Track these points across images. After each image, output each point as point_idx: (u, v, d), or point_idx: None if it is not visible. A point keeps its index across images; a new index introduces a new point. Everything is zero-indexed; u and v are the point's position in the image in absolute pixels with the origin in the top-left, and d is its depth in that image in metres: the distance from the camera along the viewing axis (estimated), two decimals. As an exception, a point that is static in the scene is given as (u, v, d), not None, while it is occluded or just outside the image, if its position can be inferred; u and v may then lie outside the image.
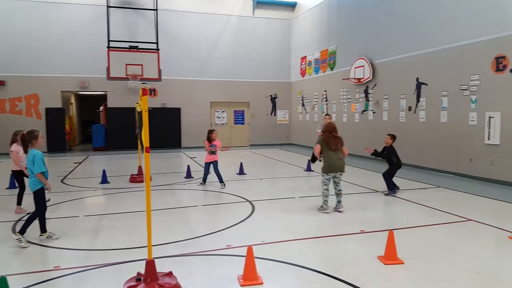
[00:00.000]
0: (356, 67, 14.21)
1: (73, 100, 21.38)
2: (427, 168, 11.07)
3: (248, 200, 7.45)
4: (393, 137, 8.17)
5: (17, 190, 6.94)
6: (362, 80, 13.90)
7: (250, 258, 3.80)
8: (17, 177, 6.91)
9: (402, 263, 4.24)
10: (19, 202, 6.80)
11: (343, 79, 15.02)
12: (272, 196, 7.90)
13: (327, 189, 6.56)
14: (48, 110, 17.13)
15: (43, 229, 5.33)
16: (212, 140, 8.95)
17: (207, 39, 18.98)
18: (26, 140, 5.31)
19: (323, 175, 6.58)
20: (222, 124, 19.75)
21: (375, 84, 13.43)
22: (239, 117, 20.17)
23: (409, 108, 11.76)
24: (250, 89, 19.88)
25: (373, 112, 13.57)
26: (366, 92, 13.99)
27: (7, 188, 8.82)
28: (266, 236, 5.23)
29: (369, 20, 13.73)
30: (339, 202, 6.61)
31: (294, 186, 9.11)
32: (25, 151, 5.41)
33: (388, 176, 7.98)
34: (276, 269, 4.18)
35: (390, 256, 4.32)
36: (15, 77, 16.60)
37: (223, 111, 19.84)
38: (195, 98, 18.98)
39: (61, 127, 17.50)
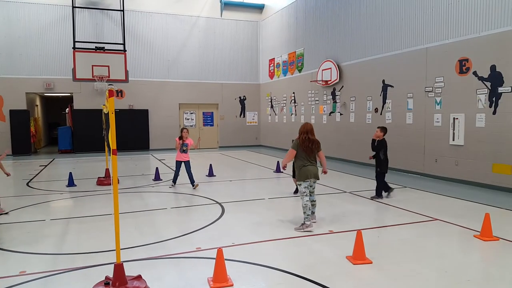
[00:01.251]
0: (323, 69, 14.53)
1: (38, 102, 20.60)
2: (393, 169, 11.33)
3: (217, 202, 7.50)
4: (384, 130, 7.67)
5: None
6: (329, 82, 14.23)
7: (220, 260, 3.83)
8: None
9: (371, 263, 4.31)
10: None
11: (311, 81, 15.33)
12: (241, 198, 8.00)
13: (309, 200, 5.70)
14: (12, 112, 16.47)
15: None
16: (184, 139, 8.92)
17: (175, 40, 18.85)
18: None
19: (299, 184, 5.72)
20: (191, 125, 19.66)
21: (342, 86, 13.78)
22: (208, 119, 20.17)
23: (376, 110, 12.12)
24: (219, 91, 19.91)
25: (341, 114, 13.93)
26: (333, 94, 14.34)
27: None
28: (236, 238, 5.30)
29: (336, 23, 14.08)
30: (312, 213, 5.92)
31: (263, 188, 9.26)
32: None
33: (382, 179, 7.64)
34: (246, 270, 4.23)
35: (358, 256, 4.37)
36: (-25, 77, 15.87)
37: (191, 113, 19.76)
38: (163, 99, 18.82)
39: (26, 129, 16.85)
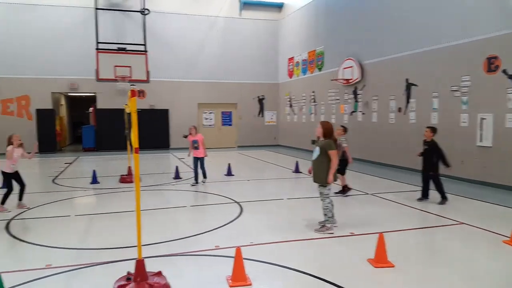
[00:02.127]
0: (344, 68, 14.34)
1: (63, 102, 21.23)
2: (417, 171, 11.09)
3: (236, 201, 7.52)
4: (434, 130, 7.21)
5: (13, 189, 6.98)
6: (350, 81, 14.05)
7: (238, 259, 3.85)
8: (7, 178, 6.96)
9: (393, 266, 4.19)
10: (3, 202, 6.88)
11: (332, 80, 15.15)
12: (260, 198, 7.99)
13: (331, 203, 5.58)
14: (39, 111, 17.04)
15: None
16: (192, 136, 9.15)
17: (193, 40, 19.03)
18: None
19: (325, 186, 5.53)
20: (210, 125, 19.81)
21: (364, 85, 13.57)
22: (226, 118, 20.26)
23: (399, 109, 11.85)
24: (237, 90, 19.97)
25: (362, 113, 13.71)
26: (355, 93, 14.14)
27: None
28: (254, 238, 5.29)
29: (357, 20, 13.84)
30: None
31: (282, 188, 9.24)
32: None
33: (439, 180, 7.15)
34: (264, 270, 4.22)
35: (380, 259, 4.26)
36: (7, 78, 16.49)
37: (210, 112, 19.91)
38: (183, 99, 19.03)
39: (52, 128, 17.40)
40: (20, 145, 7.13)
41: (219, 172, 11.06)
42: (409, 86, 11.48)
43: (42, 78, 16.96)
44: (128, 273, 3.81)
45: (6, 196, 6.89)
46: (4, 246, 5.09)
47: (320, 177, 5.50)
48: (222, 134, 20.02)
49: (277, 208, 7.15)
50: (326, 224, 5.54)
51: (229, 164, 11.10)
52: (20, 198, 7.15)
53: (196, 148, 9.16)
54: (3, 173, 6.99)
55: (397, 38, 11.87)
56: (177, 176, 10.31)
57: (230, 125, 20.33)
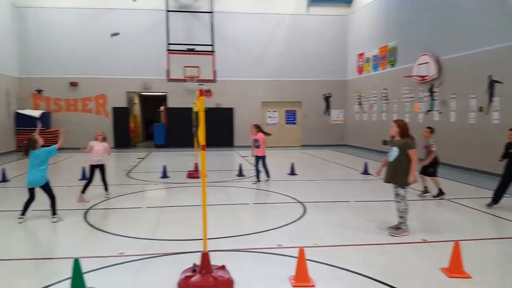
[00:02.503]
0: (419, 64, 13.47)
1: (136, 100, 22.75)
2: (498, 175, 10.12)
3: (299, 201, 7.40)
4: None
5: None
6: (426, 78, 13.17)
7: (302, 259, 3.79)
8: (90, 170, 7.62)
9: (470, 277, 3.90)
10: (83, 191, 7.47)
11: (405, 77, 14.30)
12: (325, 199, 7.77)
13: (408, 205, 5.39)
14: (115, 109, 18.45)
15: (54, 212, 6.09)
16: (253, 134, 9.21)
17: (260, 38, 19.16)
18: (31, 146, 6.00)
19: (404, 188, 5.30)
20: (273, 124, 19.82)
21: (441, 82, 12.61)
22: (290, 117, 20.11)
23: (480, 109, 10.84)
24: (302, 88, 19.70)
25: (439, 113, 12.77)
26: (431, 91, 13.22)
27: (79, 180, 9.65)
28: (318, 239, 5.17)
29: (434, 12, 12.91)
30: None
31: (348, 190, 8.90)
32: (27, 154, 6.08)
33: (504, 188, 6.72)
34: (328, 273, 4.11)
35: (455, 269, 3.97)
36: (86, 78, 18.06)
37: (274, 111, 19.91)
38: (247, 98, 19.27)
39: (126, 125, 18.75)
40: (103, 140, 7.72)
41: (282, 171, 11.00)
42: (492, 83, 10.44)
43: (118, 78, 18.27)
44: (194, 264, 3.91)
45: (85, 186, 7.48)
46: (82, 233, 5.53)
47: (399, 178, 5.25)
48: (285, 132, 19.95)
49: (342, 210, 6.90)
50: (401, 227, 5.31)
51: (292, 164, 10.98)
52: (105, 189, 7.78)
53: (257, 146, 9.20)
54: (90, 165, 7.67)
55: (479, 31, 10.84)
56: (240, 174, 10.45)
57: (294, 123, 20.17)
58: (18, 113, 16.69)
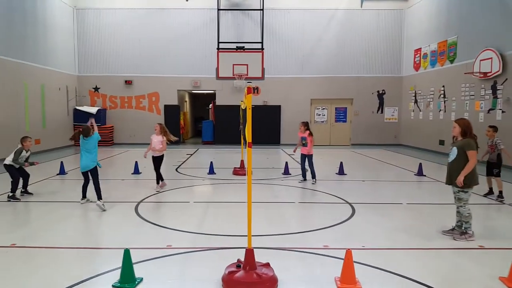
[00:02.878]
0: (481, 60, 12.55)
1: (187, 98, 23.42)
2: None
3: (347, 202, 7.17)
4: None
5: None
6: (489, 74, 12.24)
7: (348, 261, 3.67)
8: (153, 161, 8.19)
9: None
10: (161, 179, 8.22)
11: (465, 73, 13.39)
12: (374, 200, 7.44)
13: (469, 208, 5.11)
14: (166, 107, 19.12)
15: (99, 197, 6.54)
16: (301, 132, 9.05)
17: (310, 35, 18.84)
18: (86, 132, 6.62)
19: (466, 191, 5.02)
20: (322, 121, 19.43)
21: (506, 79, 11.66)
22: (340, 115, 19.57)
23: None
24: (353, 85, 19.11)
25: (503, 112, 11.82)
26: (493, 88, 12.27)
27: (132, 173, 10.10)
28: (366, 241, 4.97)
29: (497, 4, 11.96)
30: (462, 225, 5.23)
31: (401, 191, 8.47)
32: (78, 138, 6.70)
33: None
34: (376, 276, 3.95)
35: None
36: (140, 77, 18.88)
37: (323, 108, 19.49)
38: (295, 95, 19.04)
39: (177, 122, 19.36)
40: (160, 133, 8.09)
41: (330, 170, 10.74)
42: None
43: (170, 76, 18.89)
44: (239, 260, 3.90)
45: (159, 175, 8.20)
46: (133, 225, 5.74)
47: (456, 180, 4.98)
48: (335, 131, 19.49)
49: (393, 212, 6.59)
50: (468, 231, 5.05)
51: (341, 163, 10.68)
52: (159, 180, 8.23)
53: (304, 145, 9.03)
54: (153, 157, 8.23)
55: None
56: (286, 172, 10.34)
57: (344, 121, 19.63)
58: (76, 109, 17.84)
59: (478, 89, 13.07)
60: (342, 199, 7.41)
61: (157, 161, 8.16)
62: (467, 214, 5.02)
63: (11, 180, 7.17)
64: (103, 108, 18.63)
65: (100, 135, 6.94)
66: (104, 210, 6.37)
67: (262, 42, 16.81)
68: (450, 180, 5.08)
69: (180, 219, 6.04)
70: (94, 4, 18.43)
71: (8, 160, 7.17)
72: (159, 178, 8.24)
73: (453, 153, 5.04)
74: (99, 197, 6.51)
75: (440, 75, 15.61)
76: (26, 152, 7.32)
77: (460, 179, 4.86)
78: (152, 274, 3.96)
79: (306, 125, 9.11)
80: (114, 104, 19.00)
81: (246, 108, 3.87)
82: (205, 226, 5.68)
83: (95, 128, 6.84)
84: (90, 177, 6.69)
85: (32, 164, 7.38)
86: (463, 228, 5.11)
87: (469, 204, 5.07)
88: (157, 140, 8.06)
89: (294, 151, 9.37)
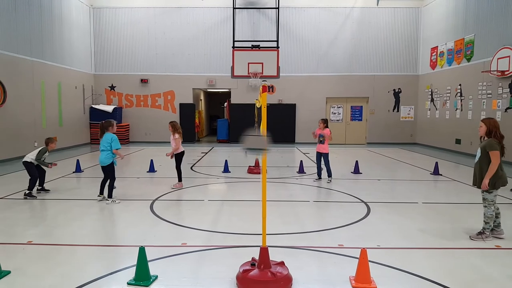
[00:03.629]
0: (499, 58, 12.26)
1: (202, 97, 23.56)
2: None
3: (362, 201, 7.12)
4: None
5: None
6: (506, 72, 11.95)
7: (363, 260, 3.65)
8: (178, 159, 8.29)
9: None
10: (178, 179, 8.28)
11: (483, 72, 13.12)
12: (390, 199, 7.38)
13: (494, 211, 5.03)
14: (181, 105, 19.27)
15: (110, 195, 6.82)
16: (319, 129, 8.97)
17: (326, 33, 18.70)
18: (104, 127, 6.82)
19: (491, 192, 4.90)
20: (338, 120, 19.28)
21: (525, 77, 11.39)
22: (356, 113, 19.38)
23: None
24: (370, 84, 18.91)
25: (520, 110, 11.55)
26: (511, 87, 11.98)
27: (147, 172, 10.23)
28: (381, 241, 4.94)
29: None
30: (499, 224, 5.13)
31: (417, 191, 8.35)
32: (101, 136, 6.85)
33: None
34: (391, 276, 3.92)
35: None
36: (156, 76, 19.07)
37: (339, 107, 19.34)
38: (311, 93, 18.93)
39: (192, 120, 19.50)
40: (175, 132, 8.20)
41: (346, 169, 10.66)
42: None
43: (185, 75, 19.03)
44: (253, 259, 3.92)
45: (180, 173, 8.30)
46: (148, 223, 5.81)
47: (481, 181, 4.92)
48: (350, 129, 19.33)
49: (409, 211, 6.50)
50: (485, 231, 5.01)
51: (356, 161, 10.60)
52: (179, 179, 8.33)
53: (321, 142, 8.97)
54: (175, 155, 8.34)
55: None
56: (301, 170, 10.32)
57: (360, 120, 19.44)
58: (92, 108, 18.13)
59: (495, 87, 12.77)
60: (357, 198, 7.37)
61: (175, 158, 8.26)
62: (490, 215, 4.96)
63: (29, 178, 7.23)
64: (119, 106, 18.89)
65: (115, 133, 7.03)
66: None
67: (277, 41, 16.75)
68: (475, 181, 5.03)
69: (195, 217, 6.09)
70: (110, 3, 18.67)
71: (30, 158, 7.27)
72: (178, 176, 8.32)
73: (478, 153, 4.98)
74: (108, 195, 6.76)
75: (456, 73, 15.30)
76: (49, 153, 7.51)
77: (485, 182, 4.77)
78: (167, 271, 4.01)
79: (325, 122, 9.05)
80: (130, 103, 19.26)
81: (261, 107, 3.88)
82: (219, 225, 5.71)
83: (114, 129, 6.99)
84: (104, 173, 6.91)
85: (50, 164, 7.47)
86: (482, 228, 5.05)
87: (497, 204, 4.99)
88: (171, 139, 8.19)
89: (315, 137, 9.10)
